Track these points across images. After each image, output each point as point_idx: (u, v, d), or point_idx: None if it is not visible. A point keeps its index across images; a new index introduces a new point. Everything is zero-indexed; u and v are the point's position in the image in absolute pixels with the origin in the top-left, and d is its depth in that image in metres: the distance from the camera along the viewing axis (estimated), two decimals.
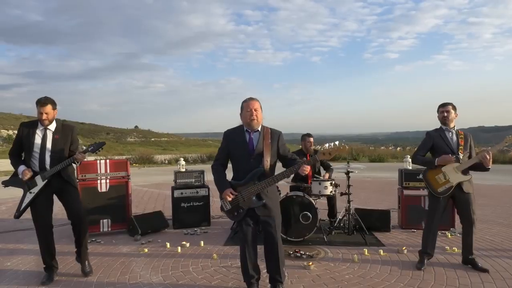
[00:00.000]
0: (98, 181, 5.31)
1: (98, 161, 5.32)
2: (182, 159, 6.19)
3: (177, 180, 5.73)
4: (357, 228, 5.10)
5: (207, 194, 5.74)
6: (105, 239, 5.07)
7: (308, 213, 4.75)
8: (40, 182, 3.60)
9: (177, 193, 5.65)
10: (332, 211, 5.55)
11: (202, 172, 5.82)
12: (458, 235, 4.92)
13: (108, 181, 5.36)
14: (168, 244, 4.71)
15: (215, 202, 7.14)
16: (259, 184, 2.99)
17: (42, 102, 3.61)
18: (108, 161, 5.45)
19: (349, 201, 5.08)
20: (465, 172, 3.74)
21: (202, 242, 4.77)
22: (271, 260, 3.16)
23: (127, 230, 5.35)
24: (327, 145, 2.98)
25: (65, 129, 3.80)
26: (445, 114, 3.89)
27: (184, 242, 4.75)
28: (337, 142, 2.98)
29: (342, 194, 5.18)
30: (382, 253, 4.31)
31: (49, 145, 3.65)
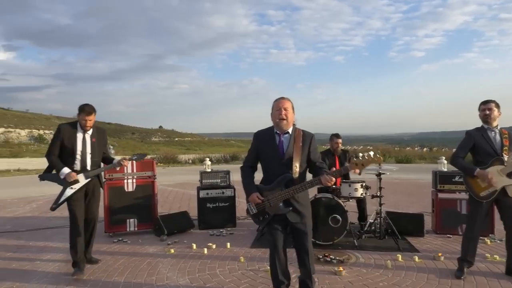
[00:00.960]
0: (125, 181, 5.32)
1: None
2: (207, 159, 6.13)
3: (203, 181, 5.67)
4: (388, 233, 4.89)
5: (233, 194, 5.66)
6: (132, 239, 5.06)
7: (338, 216, 4.58)
8: (82, 180, 3.82)
9: (202, 194, 5.59)
10: (363, 214, 5.36)
11: (228, 172, 5.74)
12: (499, 242, 4.65)
13: (134, 180, 5.36)
14: (194, 245, 4.65)
15: (241, 203, 7.10)
16: (286, 191, 2.85)
17: (88, 111, 3.81)
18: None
19: (380, 204, 4.88)
20: (510, 175, 3.48)
21: (228, 244, 4.68)
22: (301, 267, 3.03)
23: (153, 230, 5.33)
24: (360, 155, 2.78)
25: (99, 132, 4.05)
26: (487, 112, 3.63)
27: (210, 244, 4.68)
28: (371, 153, 2.77)
29: (373, 196, 4.98)
30: (417, 259, 4.10)
31: (89, 148, 3.89)
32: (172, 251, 4.50)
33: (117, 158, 4.18)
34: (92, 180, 3.94)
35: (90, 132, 3.92)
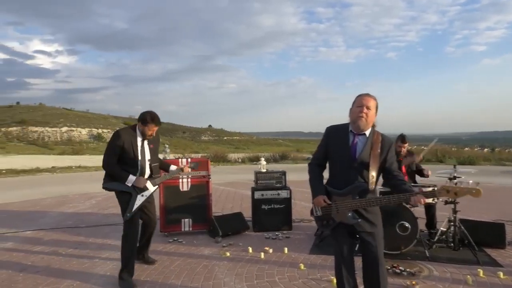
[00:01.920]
0: (180, 180, 5.26)
1: (180, 160, 5.26)
2: (263, 159, 5.92)
3: (258, 181, 5.47)
4: (464, 243, 4.39)
5: (288, 196, 5.41)
6: (187, 239, 4.99)
7: (406, 223, 4.18)
8: (151, 187, 3.74)
9: (257, 195, 5.39)
10: (432, 221, 4.88)
11: (283, 173, 5.50)
12: None
13: (189, 180, 5.29)
14: (250, 249, 4.46)
15: (297, 205, 6.87)
16: (358, 202, 2.55)
17: (158, 122, 3.72)
18: (189, 160, 5.37)
19: (455, 211, 4.39)
20: None
21: (286, 249, 4.44)
22: (368, 281, 2.70)
23: (208, 230, 5.23)
24: (456, 181, 2.39)
25: (155, 139, 3.90)
26: None
27: (267, 248, 4.47)
28: (470, 181, 2.37)
29: (446, 202, 4.50)
30: (502, 276, 3.61)
31: (148, 155, 3.76)
32: (228, 254, 4.35)
33: (171, 157, 4.14)
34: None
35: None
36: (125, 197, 3.61)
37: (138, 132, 3.70)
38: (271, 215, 5.37)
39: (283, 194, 5.40)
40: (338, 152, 2.66)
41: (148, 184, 3.69)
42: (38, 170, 16.31)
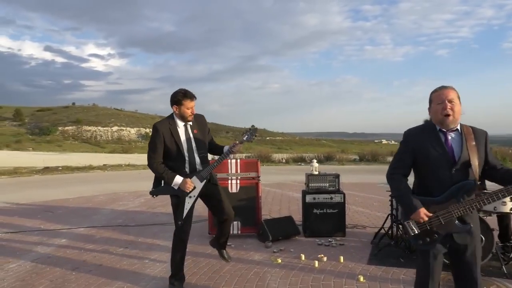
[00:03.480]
0: (229, 181, 5.11)
1: (229, 160, 5.12)
2: (315, 160, 5.64)
3: (310, 184, 5.19)
4: None
5: (342, 200, 5.09)
6: (236, 243, 4.83)
7: (480, 235, 3.73)
8: (199, 184, 3.28)
9: (309, 198, 5.12)
10: (507, 232, 4.37)
11: (337, 176, 5.18)
12: None
13: (238, 181, 5.13)
14: (303, 256, 4.21)
15: (350, 210, 6.51)
16: (467, 203, 2.20)
17: (192, 96, 3.25)
18: (239, 160, 5.22)
19: None
20: None
21: (341, 258, 4.13)
22: None
23: (257, 234, 5.03)
24: None
25: (199, 121, 3.43)
26: None
27: (321, 255, 4.19)
28: None
29: None
30: None
31: (193, 143, 3.32)
32: (279, 260, 4.12)
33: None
34: (207, 184, 3.36)
35: (190, 122, 3.34)
36: (175, 199, 3.31)
37: (176, 119, 3.29)
38: (323, 220, 5.08)
39: (337, 198, 5.09)
40: (433, 155, 2.29)
41: (195, 181, 3.26)
42: (91, 168, 17.06)
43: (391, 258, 4.16)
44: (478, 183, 2.25)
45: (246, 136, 3.41)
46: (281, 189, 9.93)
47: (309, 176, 5.23)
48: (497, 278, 3.60)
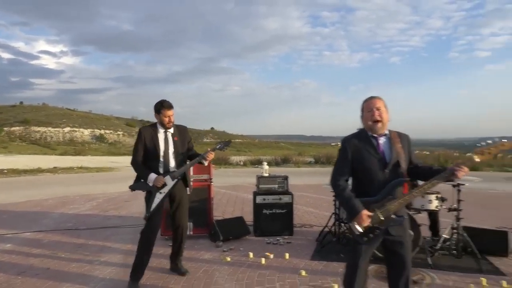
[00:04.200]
0: None
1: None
2: (265, 163, 5.89)
3: (260, 185, 5.44)
4: (466, 251, 4.34)
5: (290, 201, 5.37)
6: (187, 243, 4.88)
7: (409, 230, 4.13)
8: (170, 182, 3.62)
9: (259, 199, 5.35)
10: (435, 228, 4.83)
11: (286, 177, 5.46)
12: None
13: (191, 183, 5.23)
14: (251, 254, 4.42)
15: (299, 210, 6.82)
16: (401, 198, 2.49)
17: (169, 105, 3.65)
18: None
19: (458, 219, 4.35)
20: None
21: (287, 255, 4.40)
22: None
23: (209, 235, 5.19)
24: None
25: (181, 130, 3.85)
26: None
27: (267, 253, 4.43)
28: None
29: (450, 209, 4.46)
30: (505, 285, 3.55)
31: (172, 148, 3.70)
32: (228, 259, 4.32)
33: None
34: (179, 186, 3.72)
35: (171, 130, 3.74)
36: (147, 195, 3.64)
37: (158, 126, 3.72)
38: (272, 220, 5.33)
39: (285, 199, 5.36)
40: (367, 159, 2.56)
41: (167, 179, 3.60)
42: (40, 170, 16.34)
43: (333, 253, 4.48)
44: (408, 179, 2.57)
45: (219, 145, 3.88)
46: (237, 191, 10.13)
47: (259, 178, 5.47)
48: (423, 269, 4.01)
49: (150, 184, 3.57)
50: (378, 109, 2.55)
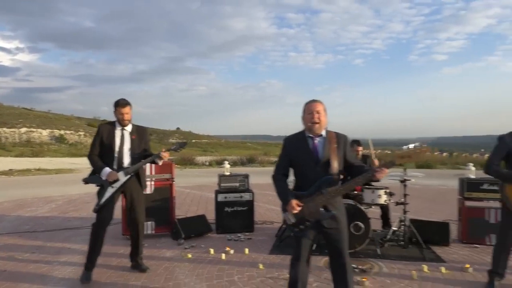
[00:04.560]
0: None
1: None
2: (227, 162, 6.05)
3: (221, 184, 5.58)
4: (413, 241, 4.70)
5: (251, 199, 5.55)
6: (149, 242, 5.01)
7: (360, 223, 4.43)
8: (122, 177, 3.71)
9: (220, 197, 5.50)
10: (386, 221, 5.18)
11: (246, 176, 5.64)
12: None
13: (153, 183, 5.32)
14: (211, 250, 4.56)
15: (260, 207, 7.02)
16: (328, 194, 2.71)
17: (123, 103, 3.78)
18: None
19: (405, 212, 4.70)
20: None
21: (246, 250, 4.57)
22: (338, 274, 2.84)
23: (171, 233, 5.27)
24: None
25: (140, 130, 3.96)
26: None
27: (228, 249, 4.59)
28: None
29: (397, 203, 4.81)
30: (444, 270, 3.91)
31: (127, 145, 3.81)
32: (190, 255, 4.43)
33: None
34: (132, 183, 3.81)
35: (129, 129, 3.85)
36: (100, 189, 3.71)
37: (116, 124, 3.84)
38: (233, 217, 5.49)
39: (246, 196, 5.54)
40: (301, 157, 2.81)
41: (120, 175, 3.70)
42: None
43: (290, 247, 4.64)
44: (337, 177, 2.79)
45: (174, 146, 4.05)
46: (201, 190, 10.19)
47: (221, 177, 5.61)
48: (373, 259, 4.31)
49: (103, 178, 3.67)
50: (317, 112, 2.78)
